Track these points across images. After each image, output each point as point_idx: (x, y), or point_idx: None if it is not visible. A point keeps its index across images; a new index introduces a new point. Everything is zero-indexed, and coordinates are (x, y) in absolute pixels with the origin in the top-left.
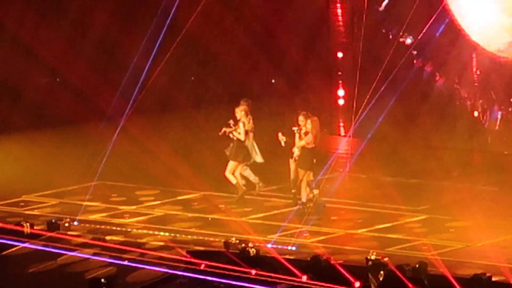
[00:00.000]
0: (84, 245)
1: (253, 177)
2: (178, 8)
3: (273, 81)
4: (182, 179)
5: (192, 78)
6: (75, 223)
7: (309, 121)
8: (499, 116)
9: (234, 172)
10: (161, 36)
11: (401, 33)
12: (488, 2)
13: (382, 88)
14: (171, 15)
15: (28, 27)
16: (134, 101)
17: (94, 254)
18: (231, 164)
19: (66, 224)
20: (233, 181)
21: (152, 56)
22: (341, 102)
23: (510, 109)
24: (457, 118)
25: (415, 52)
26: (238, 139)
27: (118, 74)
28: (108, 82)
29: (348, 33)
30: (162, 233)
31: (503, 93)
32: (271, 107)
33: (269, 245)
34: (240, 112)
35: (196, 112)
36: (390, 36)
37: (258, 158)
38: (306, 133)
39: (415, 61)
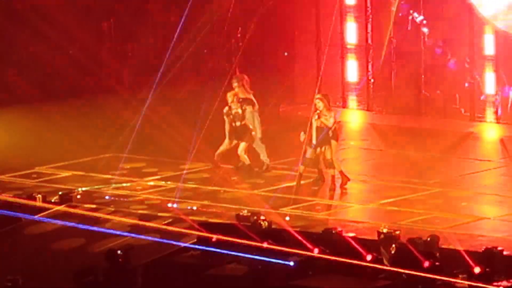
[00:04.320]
0: (96, 217)
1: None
2: None
3: (285, 53)
4: (194, 151)
5: (205, 51)
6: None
7: (318, 100)
8: (511, 95)
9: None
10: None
11: (411, 11)
12: None
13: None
14: None
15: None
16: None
17: (106, 227)
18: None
19: (78, 196)
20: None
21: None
22: (353, 78)
23: None
24: (468, 95)
25: (425, 30)
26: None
27: (129, 46)
28: (118, 55)
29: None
30: (174, 205)
31: None
32: (281, 80)
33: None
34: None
35: (206, 85)
36: (400, 14)
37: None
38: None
39: (425, 39)
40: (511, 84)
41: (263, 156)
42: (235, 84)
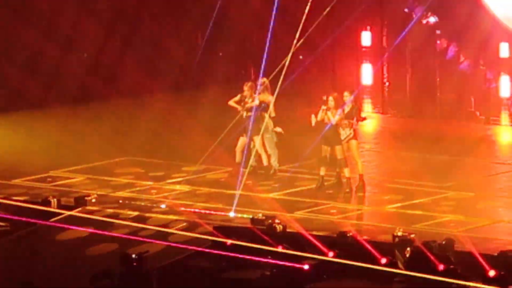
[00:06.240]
0: (110, 221)
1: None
2: None
3: (300, 57)
4: (209, 155)
5: (220, 54)
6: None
7: (331, 97)
8: None
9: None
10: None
11: (425, 13)
12: None
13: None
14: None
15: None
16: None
17: (120, 231)
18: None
19: (93, 200)
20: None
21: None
22: (368, 81)
23: None
24: (481, 99)
25: (438, 32)
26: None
27: (144, 51)
28: (133, 59)
29: (373, 11)
30: (189, 209)
31: None
32: (299, 84)
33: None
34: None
35: (225, 89)
36: (414, 16)
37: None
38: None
39: (438, 41)
40: None
41: (274, 161)
42: (259, 87)
